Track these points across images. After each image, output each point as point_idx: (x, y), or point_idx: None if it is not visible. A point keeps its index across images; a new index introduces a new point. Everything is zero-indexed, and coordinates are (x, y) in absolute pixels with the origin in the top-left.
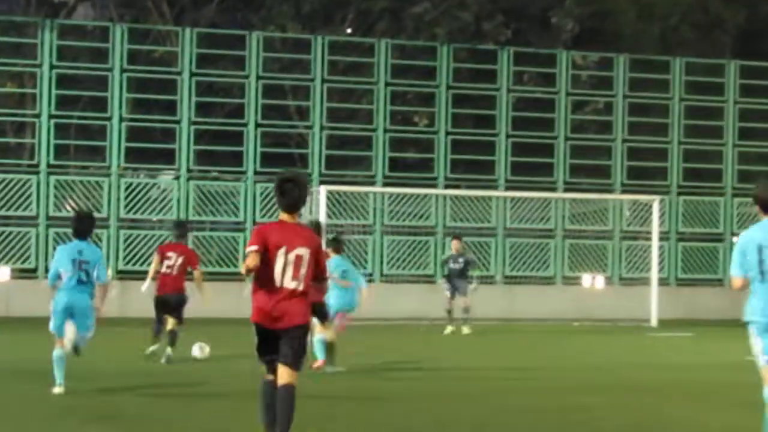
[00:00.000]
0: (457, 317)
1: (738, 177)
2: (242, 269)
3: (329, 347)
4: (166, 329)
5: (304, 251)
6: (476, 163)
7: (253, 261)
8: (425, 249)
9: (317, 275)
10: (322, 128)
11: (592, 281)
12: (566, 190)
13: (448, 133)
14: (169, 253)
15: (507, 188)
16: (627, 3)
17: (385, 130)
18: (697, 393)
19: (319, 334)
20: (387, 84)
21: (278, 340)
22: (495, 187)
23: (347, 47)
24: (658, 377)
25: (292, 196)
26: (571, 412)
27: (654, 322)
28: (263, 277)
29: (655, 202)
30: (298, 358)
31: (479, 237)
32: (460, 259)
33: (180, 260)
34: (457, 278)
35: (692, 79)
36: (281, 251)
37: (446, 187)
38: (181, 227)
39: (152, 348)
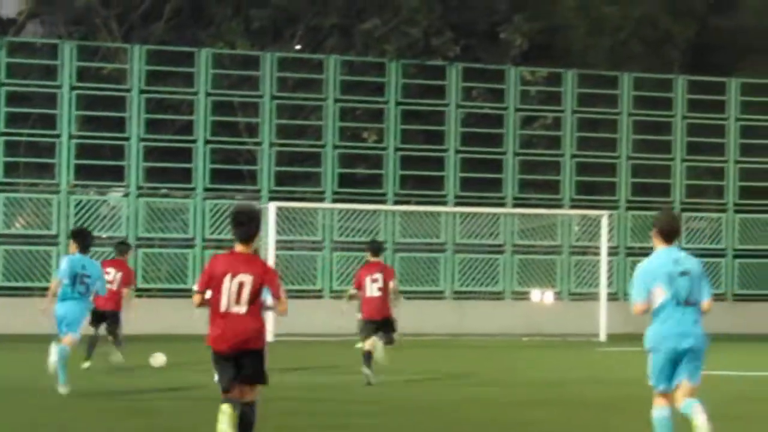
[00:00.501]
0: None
1: (686, 192)
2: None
3: (369, 355)
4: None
5: (246, 278)
6: (425, 179)
7: (196, 301)
8: None
9: (274, 296)
10: (271, 145)
11: (542, 296)
12: (515, 206)
13: (397, 149)
14: (108, 269)
15: (456, 204)
16: (576, 18)
17: (335, 147)
18: (644, 408)
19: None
20: (336, 100)
21: (234, 361)
22: (444, 203)
23: (296, 64)
24: (607, 392)
25: (247, 228)
26: (521, 427)
27: (603, 337)
28: (214, 304)
29: (604, 217)
30: (256, 377)
31: (429, 253)
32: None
33: (118, 276)
34: None
35: (641, 94)
36: (226, 279)
37: (396, 203)
38: (121, 246)
39: (86, 365)
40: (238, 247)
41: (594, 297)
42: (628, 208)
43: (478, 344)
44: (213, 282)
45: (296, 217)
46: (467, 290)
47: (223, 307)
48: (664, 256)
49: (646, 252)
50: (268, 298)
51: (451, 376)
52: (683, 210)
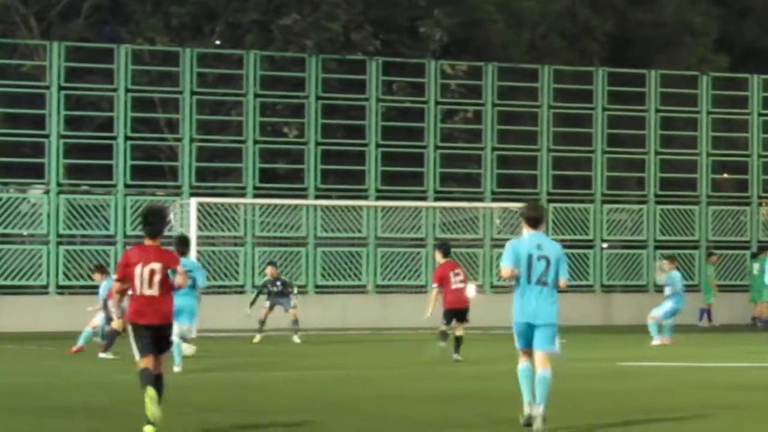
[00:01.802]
0: (286, 328)
1: (607, 183)
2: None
3: (459, 340)
4: None
5: (156, 266)
6: (346, 174)
7: (115, 288)
8: (297, 260)
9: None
10: (191, 140)
11: (464, 289)
12: (437, 199)
13: (318, 144)
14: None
15: (378, 198)
16: (496, 12)
17: (255, 142)
18: (568, 403)
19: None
20: (256, 95)
21: (150, 334)
22: (366, 197)
23: (216, 59)
24: None
25: (154, 227)
26: (437, 421)
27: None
28: (132, 288)
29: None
30: (164, 348)
31: (351, 247)
32: (278, 282)
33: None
34: (279, 297)
35: (561, 87)
36: (139, 267)
37: (317, 197)
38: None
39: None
40: (148, 242)
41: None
42: (550, 201)
43: (401, 338)
44: (128, 270)
45: (218, 213)
46: (390, 284)
47: (137, 291)
48: (528, 240)
49: (567, 244)
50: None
51: (372, 371)
52: (604, 202)
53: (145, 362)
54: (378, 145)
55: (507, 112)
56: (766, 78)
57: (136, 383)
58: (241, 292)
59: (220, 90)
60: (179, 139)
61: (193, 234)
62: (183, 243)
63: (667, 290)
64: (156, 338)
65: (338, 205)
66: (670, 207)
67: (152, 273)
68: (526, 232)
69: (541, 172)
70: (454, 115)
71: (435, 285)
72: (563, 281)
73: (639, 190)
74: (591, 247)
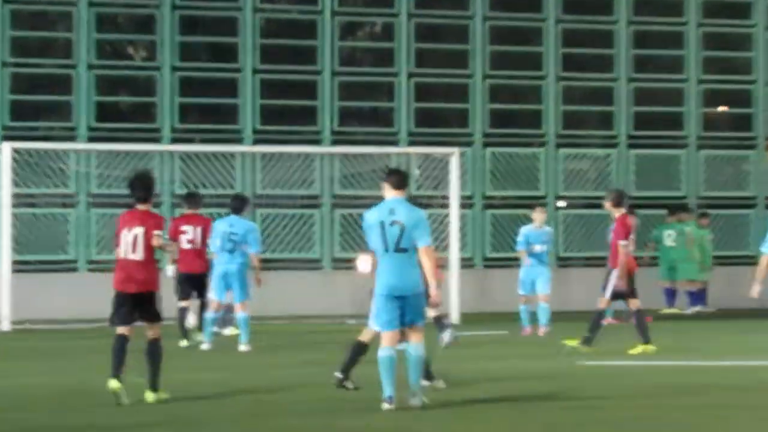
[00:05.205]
0: None
1: (563, 121)
2: None
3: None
4: None
5: (139, 230)
6: (214, 109)
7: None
8: None
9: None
10: (3, 65)
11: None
12: (335, 142)
13: (174, 69)
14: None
15: (255, 141)
16: None
17: (89, 66)
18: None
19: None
20: (91, 3)
21: (133, 303)
22: (240, 140)
23: None
24: (451, 393)
25: (139, 191)
26: None
27: (455, 317)
28: (118, 253)
29: (454, 155)
30: (155, 314)
31: (221, 208)
32: None
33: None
34: None
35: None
36: (124, 232)
37: (174, 140)
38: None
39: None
40: (138, 205)
41: (442, 264)
42: (486, 144)
43: (284, 331)
44: (117, 237)
45: (40, 163)
46: (273, 258)
47: (121, 255)
48: (382, 207)
49: (510, 203)
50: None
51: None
52: (559, 146)
53: (120, 330)
54: (255, 71)
55: (427, 25)
56: None
57: None
58: (72, 270)
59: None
60: None
61: (6, 191)
62: (235, 200)
63: None
64: (140, 305)
65: (204, 151)
66: (647, 152)
67: (135, 238)
68: (387, 196)
69: (474, 105)
70: (357, 30)
71: None
72: (422, 249)
73: (605, 129)
74: (543, 204)
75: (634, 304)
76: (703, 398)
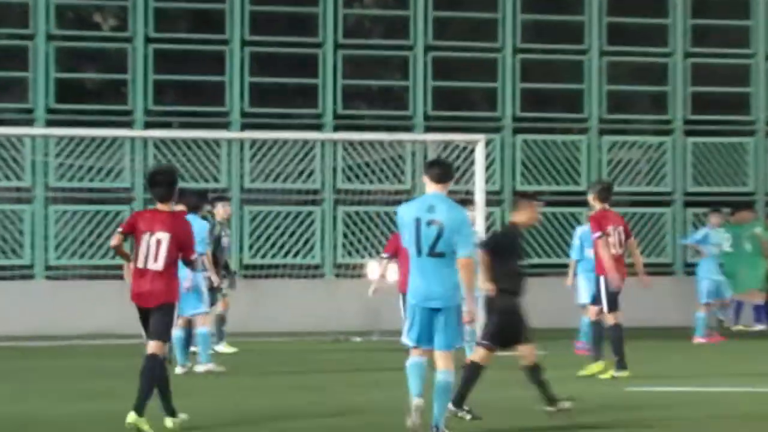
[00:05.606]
0: None
1: (607, 104)
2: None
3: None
4: None
5: (163, 236)
6: (197, 87)
7: (114, 240)
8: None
9: (185, 256)
10: None
11: (383, 271)
12: (338, 128)
13: (148, 40)
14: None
15: (244, 127)
16: None
17: (49, 37)
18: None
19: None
20: None
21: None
22: (226, 125)
23: None
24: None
25: (160, 189)
26: None
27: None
28: (135, 261)
29: (479, 143)
30: (164, 332)
31: None
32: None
33: None
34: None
35: None
36: (145, 236)
37: (148, 125)
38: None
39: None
40: (159, 205)
41: None
42: (517, 131)
43: (277, 350)
44: (136, 234)
45: None
46: (265, 264)
47: (141, 264)
48: (420, 201)
49: (545, 199)
50: None
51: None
52: (602, 132)
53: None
54: (245, 43)
55: None
56: None
57: None
58: (29, 277)
59: None
60: None
61: None
62: (192, 197)
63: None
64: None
65: (183, 137)
66: (707, 140)
67: (158, 244)
68: (427, 190)
69: (503, 84)
70: None
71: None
72: (462, 260)
73: (657, 112)
74: (582, 203)
75: (594, 312)
76: None
